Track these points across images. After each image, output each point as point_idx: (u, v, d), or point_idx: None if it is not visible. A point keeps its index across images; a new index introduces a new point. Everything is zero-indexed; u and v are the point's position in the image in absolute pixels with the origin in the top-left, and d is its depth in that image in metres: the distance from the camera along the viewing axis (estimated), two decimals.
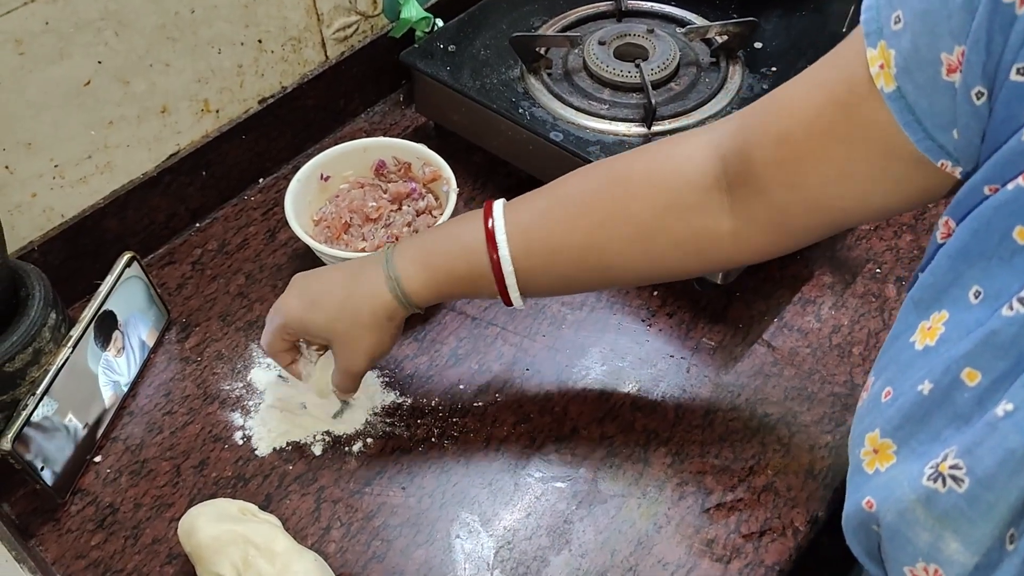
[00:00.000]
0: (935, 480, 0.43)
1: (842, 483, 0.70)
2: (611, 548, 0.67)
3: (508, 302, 0.65)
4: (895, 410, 0.46)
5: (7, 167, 0.75)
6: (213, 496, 0.71)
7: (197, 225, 0.91)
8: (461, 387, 0.78)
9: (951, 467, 0.42)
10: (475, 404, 0.76)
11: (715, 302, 0.83)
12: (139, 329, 0.79)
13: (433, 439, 0.74)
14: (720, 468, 0.72)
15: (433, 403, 0.77)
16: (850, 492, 0.50)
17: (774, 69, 0.88)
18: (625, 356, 0.79)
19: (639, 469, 0.72)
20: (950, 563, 0.43)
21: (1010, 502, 0.40)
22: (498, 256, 0.62)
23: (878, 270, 0.84)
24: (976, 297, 0.44)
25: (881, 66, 0.47)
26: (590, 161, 0.80)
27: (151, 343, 0.80)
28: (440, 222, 0.79)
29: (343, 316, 0.66)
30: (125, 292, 0.76)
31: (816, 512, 0.69)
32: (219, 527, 0.63)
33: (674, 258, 0.61)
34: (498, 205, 0.64)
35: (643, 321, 0.82)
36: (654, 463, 0.72)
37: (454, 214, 0.81)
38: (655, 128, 0.82)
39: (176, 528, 0.66)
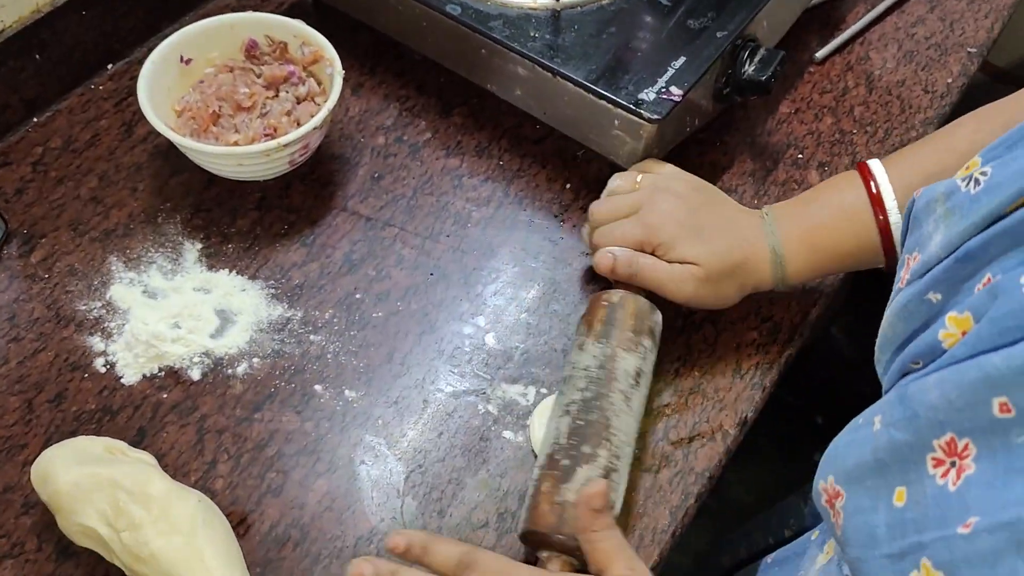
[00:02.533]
0: (965, 181, 0.46)
1: (771, 385, 0.67)
2: (532, 464, 0.62)
3: (891, 268, 0.59)
4: None
5: None
6: (74, 434, 0.61)
7: (35, 119, 0.78)
8: (358, 296, 0.69)
9: None
10: (375, 315, 0.69)
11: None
12: None
13: (329, 356, 0.66)
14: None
15: (327, 315, 0.68)
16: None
17: None
18: (538, 255, 0.72)
19: (558, 376, 0.66)
20: (928, 252, 0.47)
21: None
22: (888, 222, 0.58)
23: (800, 155, 0.79)
24: None
25: None
26: (492, 38, 0.71)
27: None
28: (324, 110, 0.69)
29: (727, 260, 0.62)
30: None
31: (745, 413, 0.65)
32: (80, 470, 0.54)
33: None
34: (876, 165, 0.59)
35: (555, 216, 0.75)
36: None
37: (340, 101, 0.71)
38: None
39: (30, 473, 0.57)
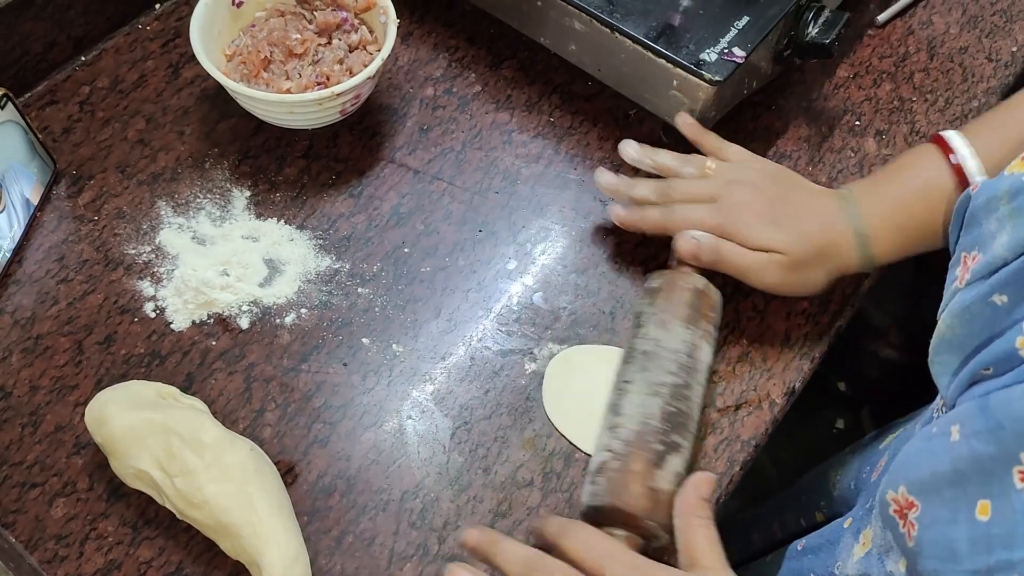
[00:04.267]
0: None
1: (820, 356, 0.67)
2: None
3: None
4: None
5: None
6: (124, 377, 0.62)
7: (83, 58, 0.77)
8: (406, 250, 0.69)
9: None
10: (422, 269, 0.68)
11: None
12: (20, 183, 0.66)
13: (376, 309, 0.66)
14: None
15: (375, 268, 0.68)
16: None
17: None
18: (588, 215, 0.72)
19: (607, 339, 0.66)
20: (992, 252, 0.45)
21: None
22: None
23: (857, 122, 0.78)
24: None
25: None
26: None
27: (35, 200, 0.68)
28: (378, 60, 0.68)
29: (810, 248, 0.60)
30: None
31: (793, 383, 0.65)
32: (135, 415, 0.55)
33: None
34: (955, 137, 0.57)
35: None
36: (622, 334, 0.66)
37: (391, 52, 0.70)
38: None
39: (83, 413, 0.57)
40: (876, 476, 0.65)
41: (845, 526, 0.63)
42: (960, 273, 0.49)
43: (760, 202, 0.61)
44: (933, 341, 0.50)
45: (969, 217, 0.49)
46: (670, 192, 0.64)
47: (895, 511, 0.48)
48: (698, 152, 0.67)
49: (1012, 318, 0.44)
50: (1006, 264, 0.45)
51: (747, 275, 0.61)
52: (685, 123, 0.67)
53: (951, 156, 0.58)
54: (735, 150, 0.66)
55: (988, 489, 0.42)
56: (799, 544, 0.68)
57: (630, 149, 0.67)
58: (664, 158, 0.66)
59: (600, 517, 0.55)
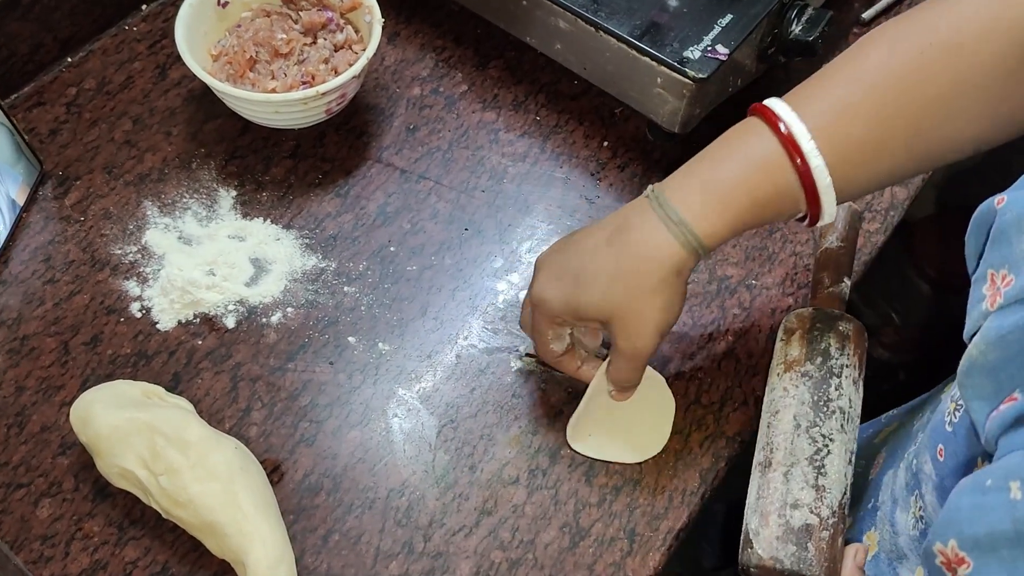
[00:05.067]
0: None
1: None
2: (564, 422, 0.62)
3: (815, 219, 0.54)
4: None
5: None
6: (110, 377, 0.62)
7: (69, 59, 0.77)
8: (392, 249, 0.69)
9: None
10: (408, 268, 0.68)
11: (670, 153, 0.75)
12: (6, 184, 0.66)
13: (362, 308, 0.66)
14: (678, 335, 0.66)
15: (361, 267, 0.68)
16: (1003, 192, 0.47)
17: None
18: (574, 213, 0.72)
19: None
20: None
21: None
22: (807, 166, 0.51)
23: None
24: None
25: None
26: None
27: (21, 201, 0.68)
28: (363, 59, 0.68)
29: (618, 285, 0.54)
30: None
31: None
32: (120, 414, 0.55)
33: None
34: (779, 105, 0.52)
35: (592, 175, 0.74)
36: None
37: (378, 52, 0.70)
38: None
39: (68, 414, 0.57)
40: (875, 473, 0.64)
41: None
42: (989, 293, 0.47)
43: (550, 269, 0.57)
44: (963, 364, 0.47)
45: (997, 232, 0.46)
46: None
47: (942, 563, 0.46)
48: (686, 145, 0.67)
49: None
50: None
51: (631, 367, 0.58)
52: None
53: (779, 125, 0.52)
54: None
55: None
56: None
57: None
58: None
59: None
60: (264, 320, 0.65)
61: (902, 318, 1.15)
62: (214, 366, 0.63)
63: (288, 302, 0.66)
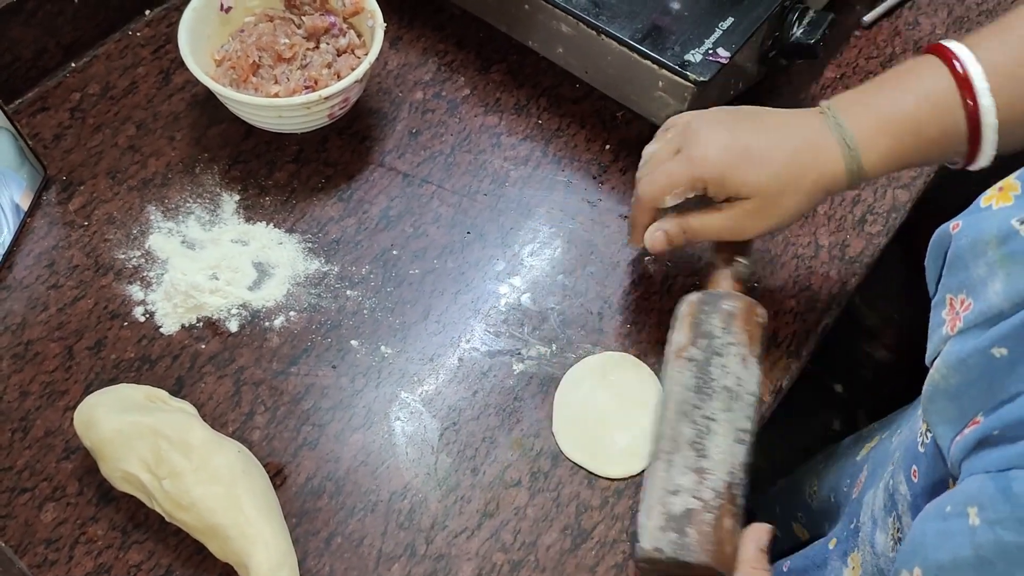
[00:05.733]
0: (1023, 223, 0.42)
1: (808, 354, 0.67)
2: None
3: (971, 161, 0.55)
4: None
5: None
6: (114, 381, 0.62)
7: (73, 65, 0.77)
8: (394, 252, 0.69)
9: None
10: (411, 272, 0.68)
11: None
12: (10, 189, 0.66)
13: (365, 311, 0.66)
14: None
15: (364, 271, 0.68)
16: (957, 217, 0.48)
17: None
18: (575, 216, 0.72)
19: (593, 339, 0.66)
20: (985, 300, 0.44)
21: None
22: (977, 105, 0.52)
23: None
24: None
25: None
26: None
27: (25, 206, 0.68)
28: (365, 63, 0.68)
29: (782, 176, 0.55)
30: None
31: (780, 381, 0.65)
32: (123, 418, 0.55)
33: None
34: (959, 46, 0.53)
35: (594, 178, 0.74)
36: (609, 334, 0.66)
37: (380, 56, 0.70)
38: None
39: (72, 418, 0.58)
40: (857, 491, 0.64)
41: (831, 547, 0.63)
42: (948, 317, 0.47)
43: (725, 134, 0.57)
44: (927, 389, 0.48)
45: (953, 257, 0.47)
46: (640, 171, 0.61)
47: None
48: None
49: (1017, 374, 0.42)
50: (1002, 315, 0.43)
51: (724, 238, 0.59)
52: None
53: (955, 64, 0.53)
54: (688, 114, 0.62)
55: None
56: (784, 565, 0.67)
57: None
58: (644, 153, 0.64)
59: (675, 568, 0.52)
60: (267, 324, 0.65)
61: (904, 319, 1.15)
62: (217, 370, 0.63)
63: (291, 306, 0.66)
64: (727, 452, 0.53)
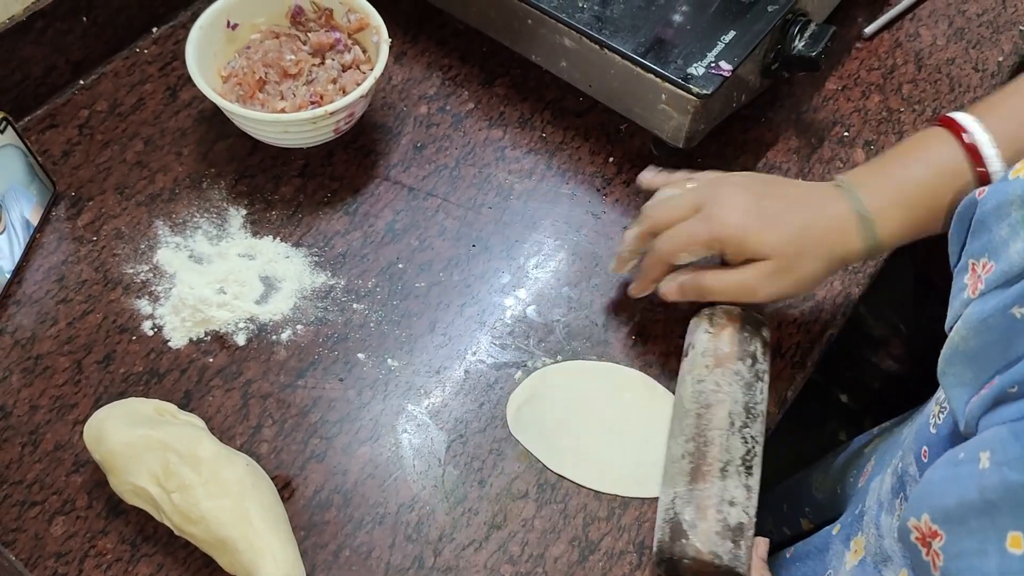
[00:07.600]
0: None
1: (813, 364, 0.67)
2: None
3: None
4: None
5: None
6: (123, 395, 0.63)
7: (82, 82, 0.78)
8: (400, 266, 0.70)
9: None
10: (417, 285, 0.69)
11: (675, 168, 0.76)
12: (20, 205, 0.67)
13: (372, 324, 0.67)
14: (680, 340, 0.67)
15: (370, 284, 0.69)
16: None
17: None
18: (580, 228, 0.72)
19: (599, 351, 0.66)
20: (1007, 260, 0.44)
21: None
22: (987, 172, 0.55)
23: (846, 133, 0.79)
24: None
25: None
26: (539, 8, 0.70)
27: (35, 221, 0.69)
28: (371, 78, 0.69)
29: (797, 241, 0.57)
30: None
31: (785, 392, 0.65)
32: (132, 432, 0.55)
33: None
34: (963, 117, 0.56)
35: (598, 191, 0.75)
36: (614, 345, 0.67)
37: (385, 71, 0.71)
38: None
39: (82, 432, 0.58)
40: (864, 481, 0.65)
41: (834, 533, 0.63)
42: (970, 281, 0.47)
43: (747, 198, 0.59)
44: (945, 352, 0.48)
45: (977, 223, 0.48)
46: (656, 217, 0.62)
47: (917, 539, 0.46)
48: (690, 160, 0.68)
49: None
50: (1023, 274, 0.43)
51: (736, 299, 0.60)
52: (648, 180, 0.66)
53: (963, 135, 0.55)
54: (711, 173, 0.65)
55: (1019, 521, 0.40)
56: (787, 552, 0.68)
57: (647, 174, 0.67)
58: (657, 195, 0.65)
59: (704, 572, 0.54)
60: (274, 337, 0.66)
61: (910, 329, 1.15)
62: (225, 383, 0.64)
63: (298, 319, 0.67)
64: (759, 476, 0.56)
